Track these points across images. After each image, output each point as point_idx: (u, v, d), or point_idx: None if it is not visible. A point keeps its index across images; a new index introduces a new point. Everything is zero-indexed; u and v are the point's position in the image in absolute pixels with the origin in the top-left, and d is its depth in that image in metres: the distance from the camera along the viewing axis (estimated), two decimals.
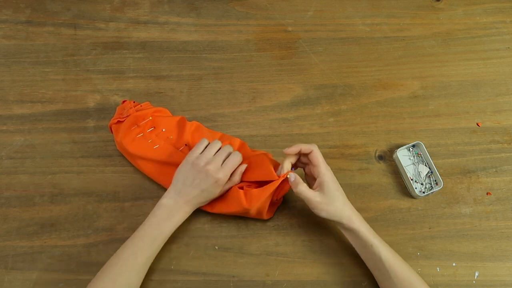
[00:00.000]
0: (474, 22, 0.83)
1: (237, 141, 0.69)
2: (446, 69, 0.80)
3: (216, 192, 0.63)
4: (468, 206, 0.70)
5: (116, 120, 0.69)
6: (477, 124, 0.76)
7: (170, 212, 0.62)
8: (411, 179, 0.71)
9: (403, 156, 0.72)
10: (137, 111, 0.68)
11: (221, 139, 0.70)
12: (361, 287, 0.66)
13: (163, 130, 0.69)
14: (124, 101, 0.71)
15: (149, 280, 0.66)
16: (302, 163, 0.65)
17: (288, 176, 0.61)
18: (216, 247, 0.68)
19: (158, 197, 0.69)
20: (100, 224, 0.69)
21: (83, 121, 0.76)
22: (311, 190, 0.61)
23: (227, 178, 0.63)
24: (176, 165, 0.65)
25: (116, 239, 0.68)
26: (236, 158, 0.64)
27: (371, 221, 0.69)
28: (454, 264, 0.67)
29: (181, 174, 0.63)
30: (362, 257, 0.63)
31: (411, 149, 0.73)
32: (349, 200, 0.71)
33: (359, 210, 0.69)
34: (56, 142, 0.74)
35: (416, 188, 0.70)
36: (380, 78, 0.79)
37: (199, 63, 0.80)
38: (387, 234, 0.69)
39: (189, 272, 0.67)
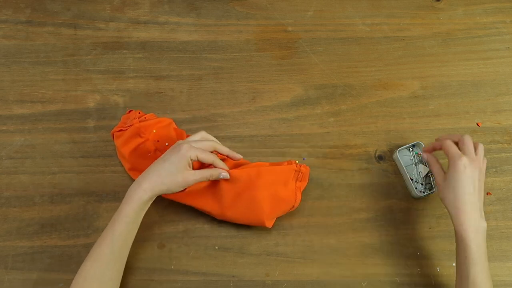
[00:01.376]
0: (474, 22, 0.83)
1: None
2: (446, 69, 0.80)
3: (178, 164, 0.58)
4: None
5: (118, 129, 0.69)
6: (477, 124, 0.76)
7: (129, 193, 0.58)
8: (411, 179, 0.71)
9: (404, 156, 0.72)
10: (140, 121, 0.68)
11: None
12: (361, 287, 0.66)
13: (166, 144, 0.68)
14: (130, 111, 0.71)
15: (149, 280, 0.66)
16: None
17: (422, 157, 0.69)
18: (216, 247, 0.68)
19: (158, 197, 0.69)
20: (100, 224, 0.69)
21: (83, 121, 0.76)
22: (441, 170, 0.64)
23: (190, 150, 0.58)
24: None
25: None
26: (210, 142, 0.62)
27: (371, 221, 0.69)
28: (454, 264, 0.67)
29: None
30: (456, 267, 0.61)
31: (411, 149, 0.73)
32: (349, 201, 0.71)
33: (359, 210, 0.70)
34: (56, 142, 0.74)
35: (416, 188, 0.70)
36: (380, 78, 0.79)
37: (199, 63, 0.80)
38: (387, 234, 0.69)
39: (189, 272, 0.67)
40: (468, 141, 0.62)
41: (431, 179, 0.71)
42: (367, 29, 0.83)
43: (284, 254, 0.68)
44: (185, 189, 0.63)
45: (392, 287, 0.66)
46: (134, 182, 0.59)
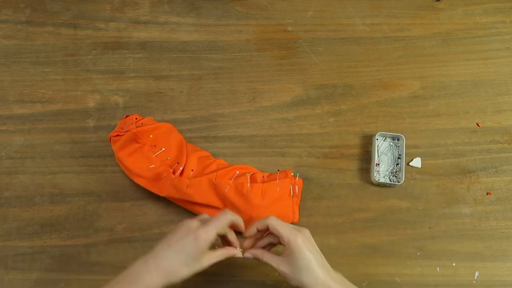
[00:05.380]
0: (474, 22, 0.83)
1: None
2: (446, 69, 0.80)
3: (195, 254, 0.52)
4: (468, 206, 0.70)
5: (115, 134, 0.69)
6: (477, 124, 0.76)
7: (135, 274, 0.51)
8: (377, 164, 0.72)
9: (384, 142, 0.74)
10: (137, 127, 0.67)
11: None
12: (361, 287, 0.66)
13: (163, 149, 0.68)
14: (126, 116, 0.71)
15: None
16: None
17: (245, 257, 0.56)
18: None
19: (158, 197, 0.69)
20: (100, 224, 0.69)
21: (83, 121, 0.76)
22: (276, 257, 0.54)
23: (209, 236, 0.52)
24: (164, 187, 0.65)
25: (116, 239, 0.68)
26: (227, 216, 0.55)
27: (371, 221, 0.69)
28: (454, 264, 0.67)
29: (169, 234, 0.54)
30: None
31: (394, 139, 0.74)
32: (349, 201, 0.71)
33: (359, 210, 0.70)
34: (56, 142, 0.74)
35: (377, 175, 0.71)
36: (380, 78, 0.79)
37: (199, 63, 0.80)
38: (387, 234, 0.69)
39: None
40: (275, 221, 0.55)
41: (398, 175, 0.72)
42: (367, 29, 0.83)
43: None
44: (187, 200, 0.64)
45: (392, 287, 0.66)
46: (141, 261, 0.52)
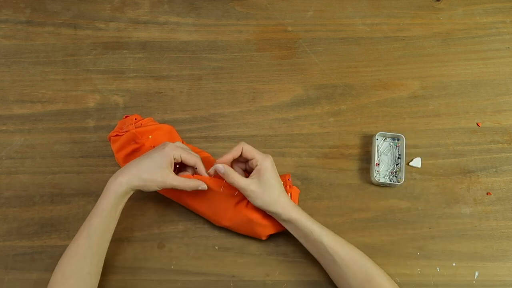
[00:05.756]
0: (474, 22, 0.83)
1: None
2: (446, 69, 0.80)
3: (160, 162, 0.58)
4: (468, 206, 0.70)
5: (115, 133, 0.69)
6: (477, 124, 0.76)
7: (106, 185, 0.58)
8: (377, 164, 0.71)
9: (384, 142, 0.74)
10: (136, 127, 0.67)
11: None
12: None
13: None
14: (126, 116, 0.71)
15: (149, 280, 0.66)
16: (242, 163, 0.65)
17: (216, 168, 0.59)
18: (216, 247, 0.68)
19: (158, 197, 0.69)
20: None
21: (83, 121, 0.76)
22: (244, 178, 0.60)
23: (176, 151, 0.59)
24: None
25: (115, 239, 0.68)
26: (196, 157, 0.62)
27: (371, 221, 0.69)
28: (454, 264, 0.67)
29: None
30: (306, 247, 0.63)
31: (394, 139, 0.74)
32: (349, 201, 0.71)
33: (359, 210, 0.70)
34: (56, 142, 0.74)
35: (376, 175, 0.71)
36: (380, 78, 0.79)
37: (199, 63, 0.80)
38: (387, 234, 0.69)
39: (189, 272, 0.67)
40: (249, 147, 0.61)
41: (398, 175, 0.72)
42: (367, 29, 0.83)
43: (284, 254, 0.68)
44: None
45: None
46: (113, 175, 0.59)
